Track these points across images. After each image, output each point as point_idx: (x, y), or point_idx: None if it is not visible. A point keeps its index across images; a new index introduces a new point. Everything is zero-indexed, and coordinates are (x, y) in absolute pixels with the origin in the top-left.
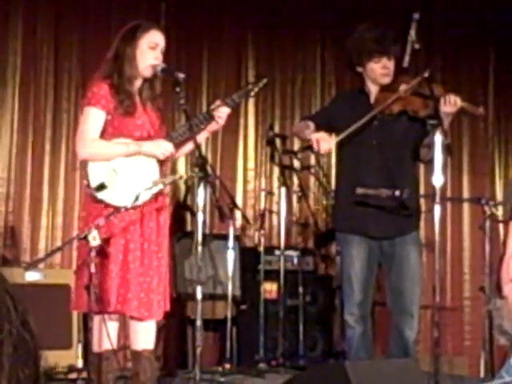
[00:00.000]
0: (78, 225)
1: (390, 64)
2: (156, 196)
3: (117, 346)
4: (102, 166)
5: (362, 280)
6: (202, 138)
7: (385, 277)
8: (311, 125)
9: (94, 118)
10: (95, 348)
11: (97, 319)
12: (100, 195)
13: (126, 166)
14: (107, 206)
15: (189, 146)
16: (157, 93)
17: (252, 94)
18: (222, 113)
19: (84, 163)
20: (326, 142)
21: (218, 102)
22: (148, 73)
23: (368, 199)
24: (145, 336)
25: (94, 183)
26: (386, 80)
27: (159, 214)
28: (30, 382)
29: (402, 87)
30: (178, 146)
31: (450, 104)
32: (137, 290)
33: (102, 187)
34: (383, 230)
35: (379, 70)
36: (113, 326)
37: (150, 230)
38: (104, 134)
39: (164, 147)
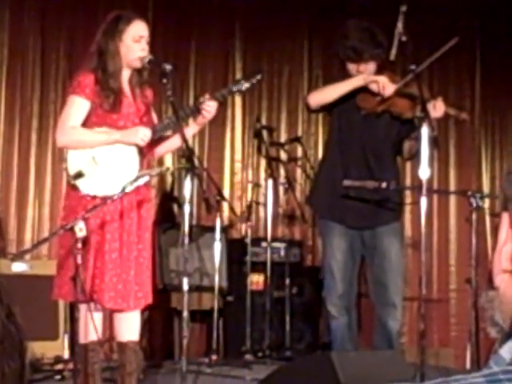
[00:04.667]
0: (61, 215)
1: (367, 67)
2: (138, 188)
3: (102, 338)
4: (82, 154)
5: (343, 271)
6: (191, 132)
7: (367, 269)
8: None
9: (76, 107)
10: (81, 339)
11: (83, 310)
12: (76, 183)
13: (105, 155)
14: (84, 194)
15: (176, 142)
16: (144, 80)
17: (243, 89)
18: (210, 106)
19: (64, 151)
20: (391, 86)
21: (206, 96)
22: (137, 64)
23: (353, 191)
24: (129, 327)
25: (72, 171)
26: None
27: (141, 206)
28: (15, 375)
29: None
30: (163, 139)
31: (435, 110)
32: (112, 281)
33: (79, 175)
34: (362, 219)
35: (354, 72)
36: (97, 317)
37: (130, 221)
38: (88, 123)
39: (142, 133)
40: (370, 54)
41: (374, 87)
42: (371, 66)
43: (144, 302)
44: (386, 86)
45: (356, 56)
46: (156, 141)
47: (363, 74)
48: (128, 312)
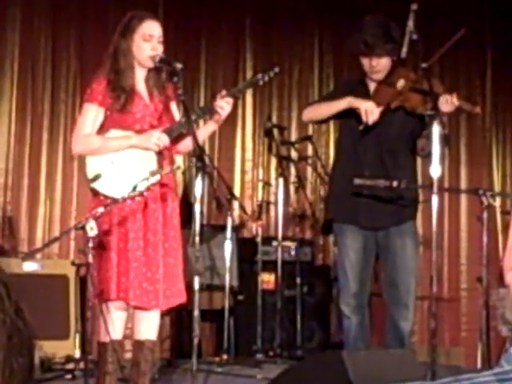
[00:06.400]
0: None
1: (379, 61)
2: (162, 187)
3: (122, 337)
4: (100, 158)
5: (357, 270)
6: (209, 130)
7: (381, 268)
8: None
9: (89, 115)
10: (101, 337)
11: (105, 308)
12: (95, 185)
13: (123, 159)
14: (105, 197)
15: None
16: (163, 81)
17: (261, 82)
18: (224, 104)
19: (82, 156)
20: (375, 112)
21: (223, 93)
22: (149, 63)
23: (364, 190)
24: (148, 326)
25: (90, 175)
26: (376, 76)
27: (165, 204)
28: (24, 371)
29: (400, 83)
30: (180, 138)
31: (448, 103)
32: (138, 279)
33: (97, 177)
34: (375, 220)
35: (367, 67)
36: (120, 317)
37: (155, 220)
38: (105, 128)
39: (156, 138)
40: (381, 48)
41: (359, 111)
42: (384, 61)
43: (174, 301)
44: (369, 111)
45: (367, 50)
46: (176, 138)
47: (349, 98)
48: (149, 311)
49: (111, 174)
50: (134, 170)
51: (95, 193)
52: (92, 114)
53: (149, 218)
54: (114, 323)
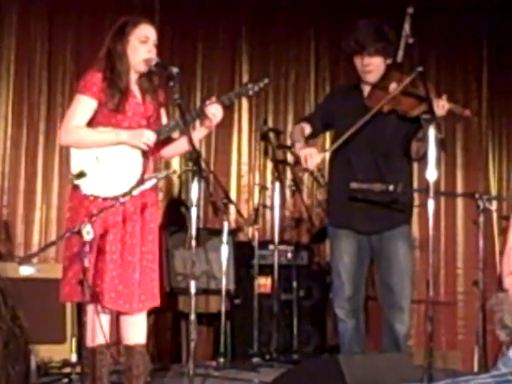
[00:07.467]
0: (66, 216)
1: (371, 61)
2: (143, 191)
3: (110, 341)
4: (85, 153)
5: (351, 274)
6: (199, 136)
7: (376, 272)
8: (307, 128)
9: (81, 106)
10: (89, 342)
11: (90, 313)
12: (78, 182)
13: (108, 156)
14: (86, 194)
15: (183, 145)
16: (155, 85)
17: (250, 93)
18: (216, 110)
19: (67, 150)
20: (314, 158)
21: (212, 99)
22: (142, 68)
23: (360, 194)
24: (136, 330)
25: (74, 170)
26: (369, 77)
27: (145, 208)
28: (20, 378)
29: (393, 86)
30: (169, 141)
31: (439, 108)
32: (114, 282)
33: (81, 175)
34: (370, 224)
35: (359, 66)
36: (105, 320)
37: (134, 223)
38: (93, 122)
39: (145, 136)
40: (372, 46)
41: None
42: (376, 61)
43: (148, 305)
44: (308, 157)
45: (359, 48)
46: (162, 142)
47: (300, 145)
48: (134, 315)
49: (95, 172)
50: (119, 169)
51: (75, 187)
52: (84, 106)
53: (128, 222)
54: (100, 327)
